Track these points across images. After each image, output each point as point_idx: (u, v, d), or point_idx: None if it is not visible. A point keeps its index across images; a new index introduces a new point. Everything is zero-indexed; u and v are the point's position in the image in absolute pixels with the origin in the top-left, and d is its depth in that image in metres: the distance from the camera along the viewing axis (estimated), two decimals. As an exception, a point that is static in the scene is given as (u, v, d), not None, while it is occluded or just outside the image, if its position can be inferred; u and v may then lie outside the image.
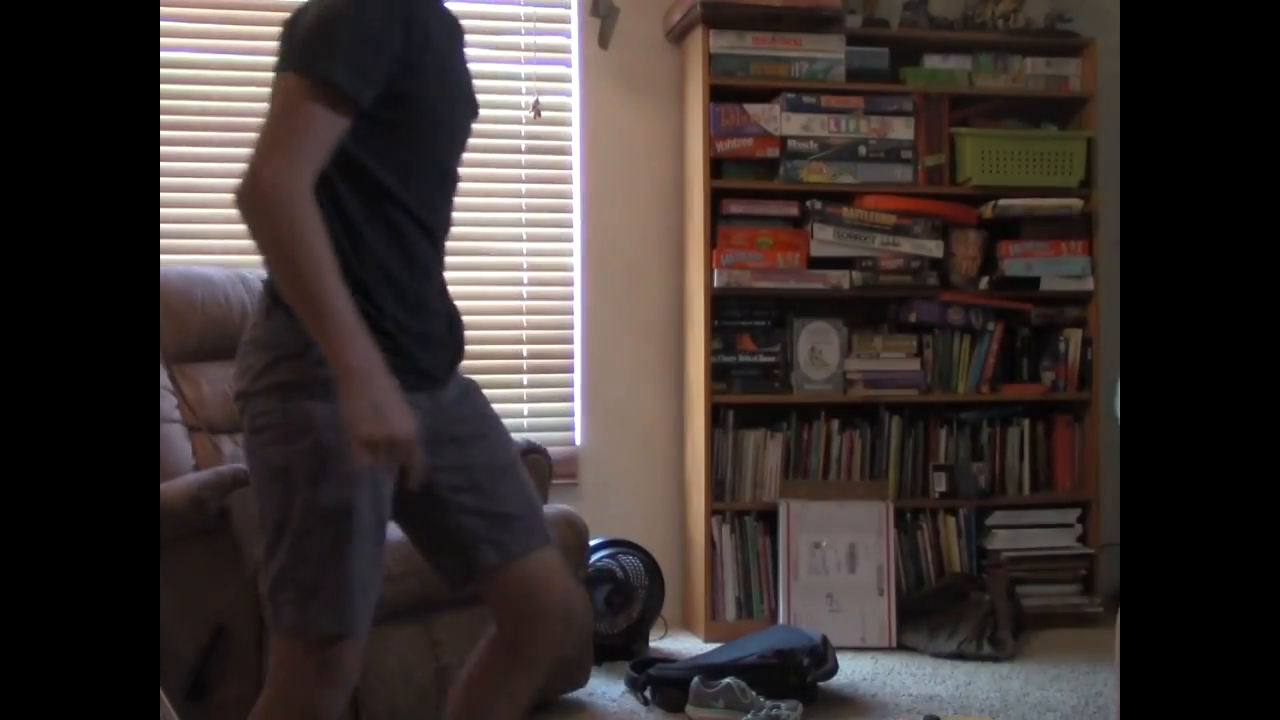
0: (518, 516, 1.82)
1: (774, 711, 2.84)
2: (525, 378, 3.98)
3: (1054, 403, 4.00)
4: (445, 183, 1.82)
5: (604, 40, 3.73)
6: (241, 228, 1.56)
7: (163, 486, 2.47)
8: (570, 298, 4.00)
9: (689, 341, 3.93)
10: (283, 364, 1.65)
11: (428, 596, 2.55)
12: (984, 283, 3.93)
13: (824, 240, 3.80)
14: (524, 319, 3.96)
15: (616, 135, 3.99)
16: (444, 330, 1.82)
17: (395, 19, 1.62)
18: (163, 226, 2.80)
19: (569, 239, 4.00)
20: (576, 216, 3.99)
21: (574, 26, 3.96)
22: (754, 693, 2.91)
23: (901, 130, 3.85)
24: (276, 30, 1.72)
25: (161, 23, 3.49)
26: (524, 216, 3.96)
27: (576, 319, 4.00)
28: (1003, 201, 3.86)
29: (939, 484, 3.90)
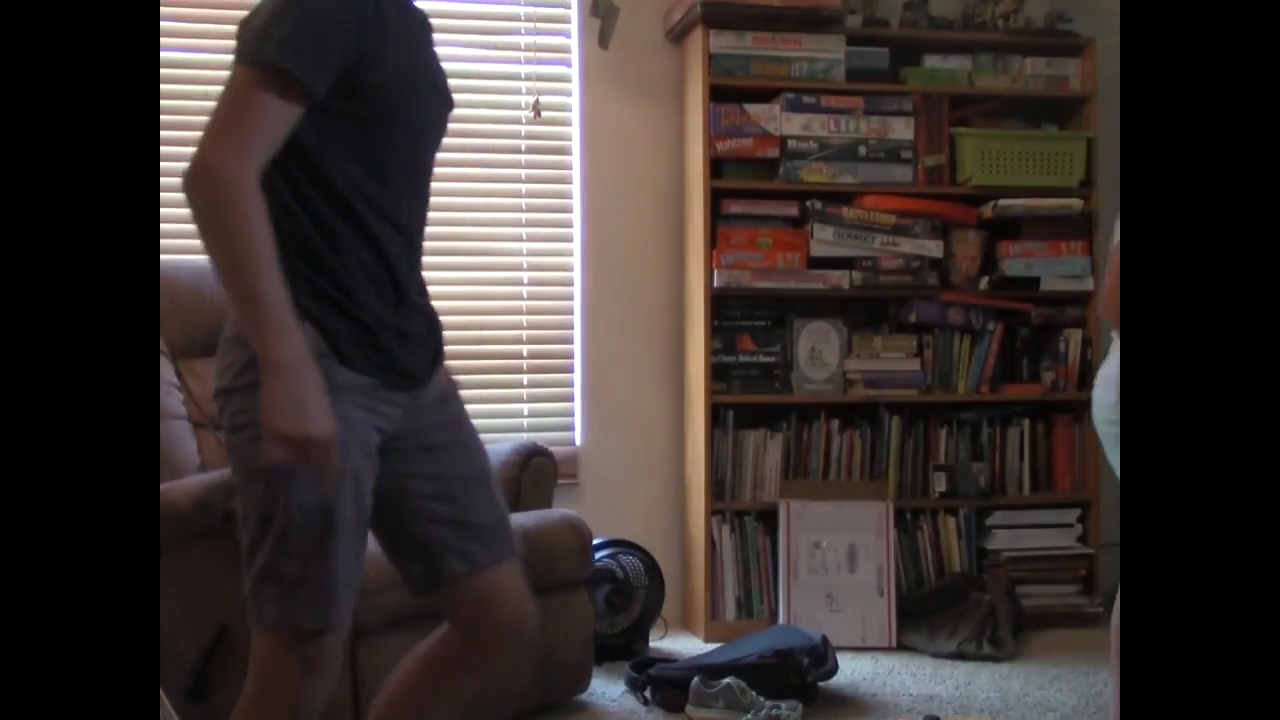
0: (488, 527, 1.83)
1: (774, 711, 2.84)
2: (525, 378, 3.98)
3: (1054, 403, 4.00)
4: (417, 177, 1.80)
5: (604, 40, 3.73)
6: None
7: (167, 487, 2.47)
8: (570, 298, 4.00)
9: (689, 341, 3.93)
10: None
11: (427, 605, 2.55)
12: (984, 283, 3.93)
13: (824, 240, 3.80)
14: (524, 319, 3.96)
15: (616, 135, 4.00)
16: (424, 329, 1.81)
17: (348, 10, 1.61)
18: (164, 225, 2.81)
19: (569, 239, 4.00)
20: (576, 216, 3.99)
21: (574, 26, 3.96)
22: (754, 693, 2.91)
23: (901, 130, 3.85)
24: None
25: (161, 23, 3.50)
26: (524, 216, 3.96)
27: (576, 319, 4.00)
28: (1003, 201, 3.87)
29: (939, 484, 3.90)
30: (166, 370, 2.91)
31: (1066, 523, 3.94)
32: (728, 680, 2.92)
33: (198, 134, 1.57)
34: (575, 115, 3.98)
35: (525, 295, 3.97)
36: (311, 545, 1.65)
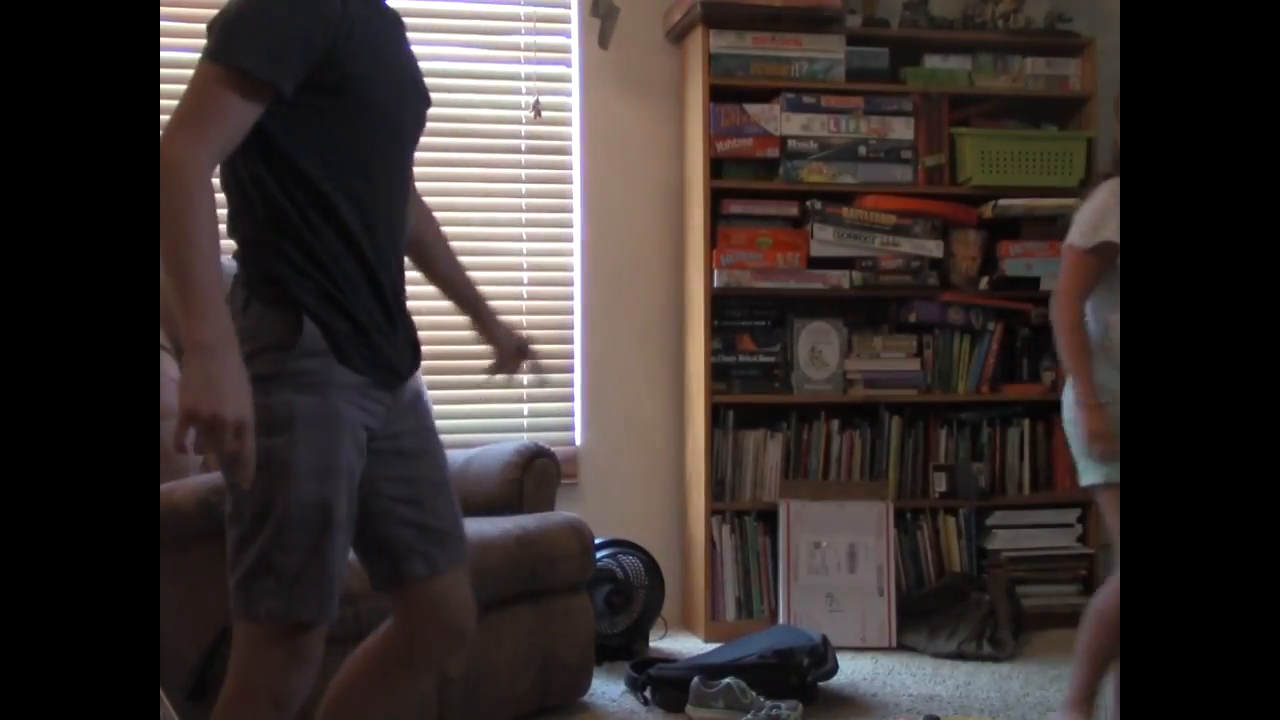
0: (447, 532, 1.89)
1: (774, 711, 2.84)
2: (525, 378, 3.97)
3: (1054, 403, 3.97)
4: (398, 175, 1.83)
5: (604, 40, 3.73)
6: None
7: (169, 487, 2.47)
8: (570, 298, 4.00)
9: (689, 341, 3.93)
10: (264, 355, 1.67)
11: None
12: (984, 283, 3.93)
13: (824, 240, 3.80)
14: (524, 319, 3.96)
15: (616, 135, 4.00)
16: (407, 328, 1.85)
17: (312, 8, 1.64)
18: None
19: (569, 239, 4.00)
20: (576, 216, 3.99)
21: (574, 26, 3.96)
22: (754, 693, 2.91)
23: (901, 130, 3.85)
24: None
25: (161, 23, 3.50)
26: (524, 216, 3.96)
27: (576, 319, 4.00)
28: (1003, 201, 3.87)
29: (939, 484, 3.90)
30: (171, 367, 2.91)
31: (1066, 523, 3.94)
32: (728, 680, 2.92)
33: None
34: (575, 115, 3.98)
35: (525, 295, 3.97)
36: (310, 539, 1.67)
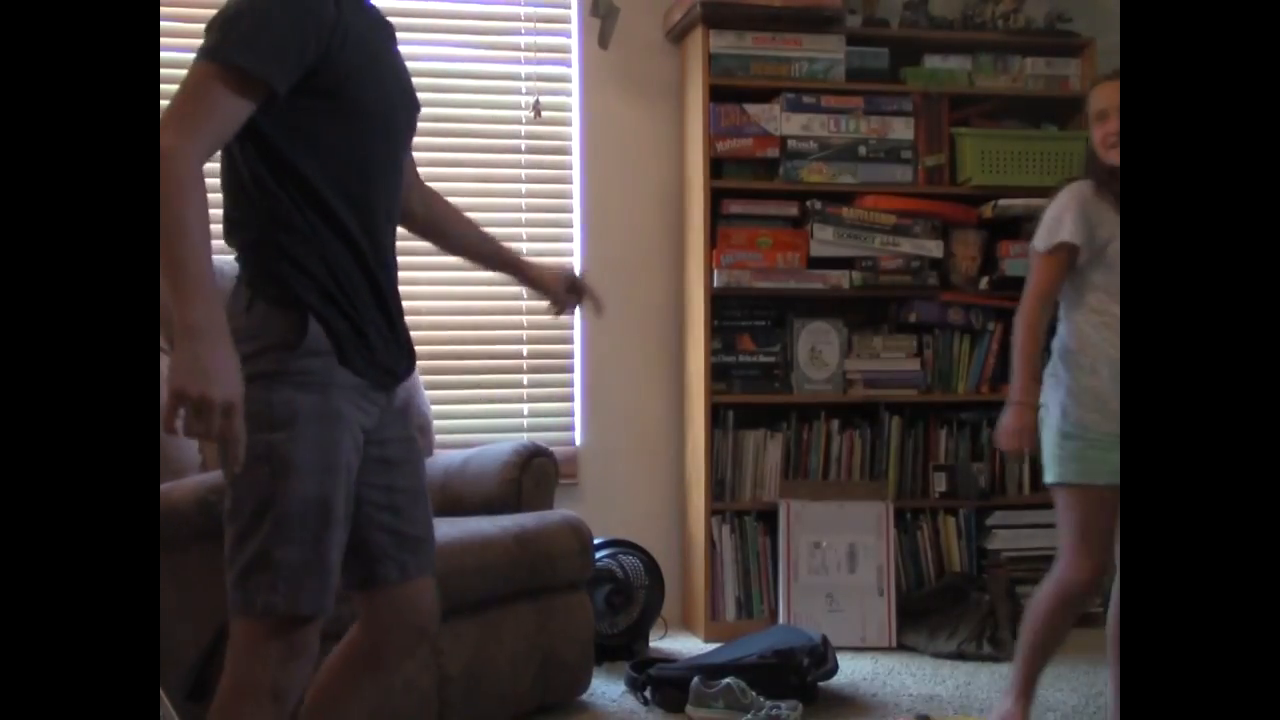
0: (421, 540, 1.92)
1: (774, 711, 2.84)
2: (525, 378, 3.98)
3: (1054, 403, 3.99)
4: (392, 179, 1.86)
5: (604, 40, 3.73)
6: None
7: (168, 487, 2.47)
8: (570, 298, 4.00)
9: (689, 341, 3.93)
10: (267, 354, 1.69)
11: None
12: (984, 283, 3.93)
13: (824, 240, 3.80)
14: (524, 319, 3.96)
15: (616, 135, 4.00)
16: (404, 331, 1.89)
17: (307, 10, 1.68)
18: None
19: (569, 239, 4.00)
20: (576, 216, 3.99)
21: (574, 26, 3.96)
22: (754, 693, 2.91)
23: (901, 130, 3.85)
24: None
25: (161, 23, 3.50)
26: (524, 217, 3.96)
27: (576, 319, 4.00)
28: (1003, 201, 3.87)
29: (939, 484, 3.90)
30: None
31: (1066, 523, 3.93)
32: (728, 680, 2.92)
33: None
34: (575, 115, 3.98)
35: (525, 295, 3.96)
36: (309, 534, 1.69)
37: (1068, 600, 2.63)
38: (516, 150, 3.95)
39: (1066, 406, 2.62)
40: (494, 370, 3.93)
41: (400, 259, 1.91)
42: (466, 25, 3.89)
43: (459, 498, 3.14)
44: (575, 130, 3.98)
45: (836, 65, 3.83)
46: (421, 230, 2.10)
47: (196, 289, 1.55)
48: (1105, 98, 2.64)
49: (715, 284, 3.76)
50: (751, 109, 3.78)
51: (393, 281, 1.86)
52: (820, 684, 3.12)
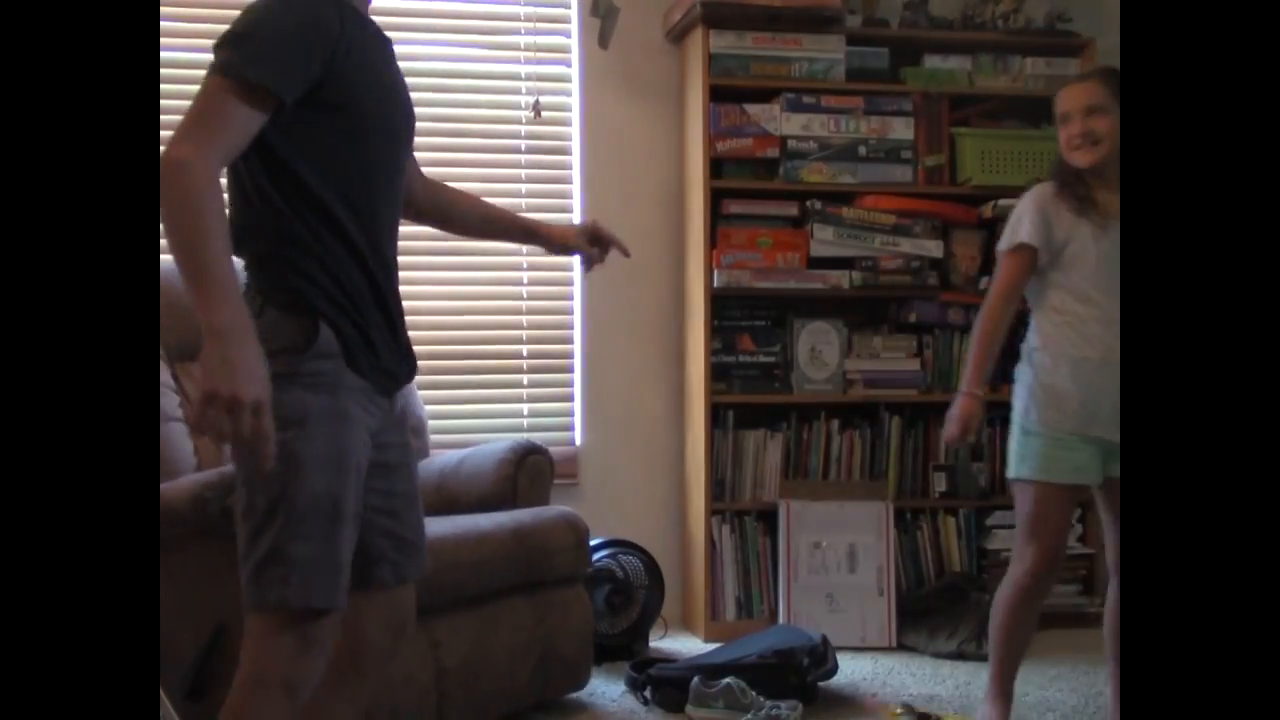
0: (415, 544, 1.96)
1: (774, 711, 2.84)
2: (525, 378, 3.98)
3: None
4: (393, 188, 1.90)
5: (604, 40, 3.73)
6: None
7: (164, 486, 2.48)
8: (570, 298, 4.00)
9: (689, 341, 3.93)
10: (277, 357, 1.71)
11: (428, 599, 2.56)
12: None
13: (824, 240, 3.80)
14: (524, 319, 3.96)
15: (616, 135, 4.00)
16: (405, 337, 1.92)
17: (314, 25, 1.72)
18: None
19: (569, 239, 3.99)
20: (576, 216, 3.99)
21: (574, 26, 3.96)
22: (754, 693, 2.91)
23: (901, 130, 3.85)
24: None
25: (161, 23, 3.49)
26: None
27: (576, 319, 4.00)
28: (1003, 201, 3.86)
29: (939, 484, 3.90)
30: (163, 373, 2.91)
31: (1066, 523, 3.93)
32: (728, 680, 2.92)
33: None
34: (575, 115, 3.98)
35: (525, 295, 3.97)
36: (320, 529, 1.72)
37: (1023, 593, 2.63)
38: (516, 150, 3.95)
39: (1028, 404, 2.69)
40: (494, 370, 3.93)
41: (400, 259, 1.93)
42: (466, 25, 3.89)
43: (455, 497, 3.15)
44: (575, 130, 3.98)
45: (836, 65, 3.83)
46: (429, 216, 2.15)
47: (221, 292, 1.58)
48: (1068, 101, 2.73)
49: (715, 284, 3.76)
50: (751, 109, 3.78)
51: (394, 288, 1.89)
52: (820, 684, 3.11)
